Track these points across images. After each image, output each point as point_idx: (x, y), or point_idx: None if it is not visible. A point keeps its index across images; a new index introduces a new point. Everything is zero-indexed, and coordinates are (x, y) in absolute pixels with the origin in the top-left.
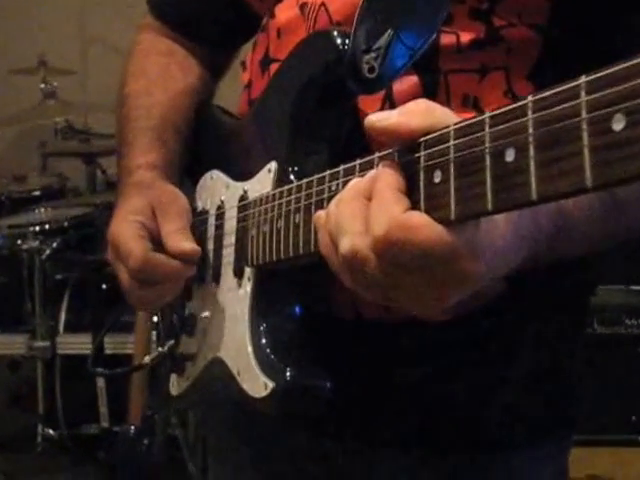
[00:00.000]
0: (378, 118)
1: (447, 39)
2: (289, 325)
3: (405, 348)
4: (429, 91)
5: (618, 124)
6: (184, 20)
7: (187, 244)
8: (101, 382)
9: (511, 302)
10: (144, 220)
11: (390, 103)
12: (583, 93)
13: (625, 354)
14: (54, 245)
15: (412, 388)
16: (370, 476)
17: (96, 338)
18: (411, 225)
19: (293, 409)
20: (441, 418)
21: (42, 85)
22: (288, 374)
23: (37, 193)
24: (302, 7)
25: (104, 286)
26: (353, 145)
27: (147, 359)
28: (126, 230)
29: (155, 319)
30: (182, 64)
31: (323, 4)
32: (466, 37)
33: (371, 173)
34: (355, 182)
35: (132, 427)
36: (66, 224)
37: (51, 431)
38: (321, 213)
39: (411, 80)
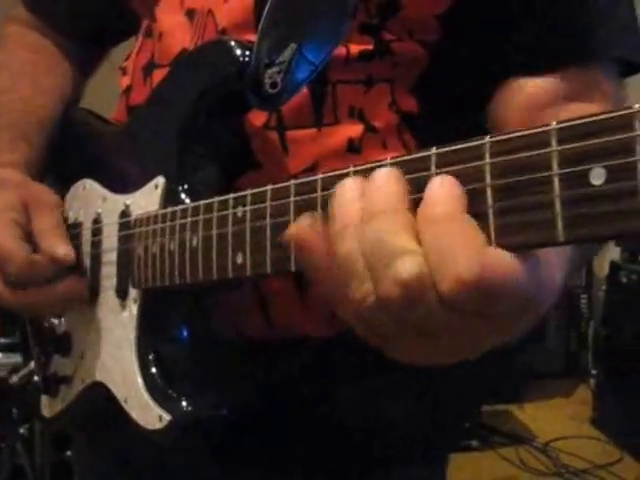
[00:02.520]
0: None
1: (337, 51)
2: (181, 350)
3: (294, 368)
4: (317, 102)
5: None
6: (57, 13)
7: (61, 247)
8: None
9: None
10: (17, 217)
11: (277, 113)
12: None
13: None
14: None
15: (304, 409)
16: None
17: None
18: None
19: (188, 440)
20: (335, 438)
21: None
22: (184, 405)
23: None
24: (189, 13)
25: None
26: (240, 161)
27: (15, 378)
28: (0, 229)
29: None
30: (50, 61)
31: (211, 12)
32: (355, 49)
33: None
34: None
35: None
36: None
37: None
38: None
39: (300, 91)
